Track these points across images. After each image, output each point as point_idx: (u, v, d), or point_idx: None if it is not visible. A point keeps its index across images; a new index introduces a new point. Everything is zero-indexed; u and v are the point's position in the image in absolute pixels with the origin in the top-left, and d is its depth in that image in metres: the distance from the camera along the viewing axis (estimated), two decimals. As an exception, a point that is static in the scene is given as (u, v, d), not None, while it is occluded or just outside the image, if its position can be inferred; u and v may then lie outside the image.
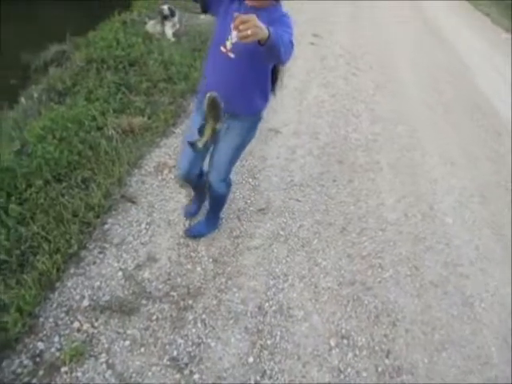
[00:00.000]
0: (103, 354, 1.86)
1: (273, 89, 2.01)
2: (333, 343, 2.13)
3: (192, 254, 2.41)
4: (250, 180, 3.09)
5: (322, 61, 5.43)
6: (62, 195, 2.46)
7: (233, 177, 2.40)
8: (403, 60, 6.24)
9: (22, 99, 3.53)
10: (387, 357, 2.13)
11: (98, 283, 2.13)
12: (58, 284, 2.08)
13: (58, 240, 2.19)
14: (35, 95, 3.56)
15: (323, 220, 2.88)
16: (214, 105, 1.70)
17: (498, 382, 2.19)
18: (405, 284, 2.56)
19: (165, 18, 4.62)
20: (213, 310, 2.15)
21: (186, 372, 1.87)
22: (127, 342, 1.92)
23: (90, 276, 2.16)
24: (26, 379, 1.73)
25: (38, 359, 1.80)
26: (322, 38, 6.09)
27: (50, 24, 5.80)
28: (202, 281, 2.28)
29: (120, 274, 2.20)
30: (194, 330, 2.03)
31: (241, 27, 1.27)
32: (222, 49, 1.77)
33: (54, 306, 1.99)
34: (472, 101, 5.54)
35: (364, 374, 2.03)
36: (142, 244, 2.37)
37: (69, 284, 2.10)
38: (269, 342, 2.06)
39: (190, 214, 2.62)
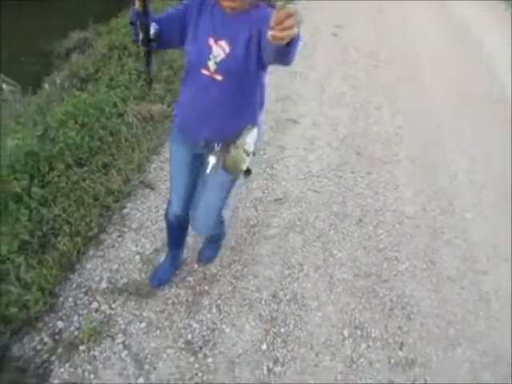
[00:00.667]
0: (120, 335, 1.91)
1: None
2: (346, 333, 2.14)
3: (208, 240, 2.43)
4: (268, 170, 3.09)
5: (343, 52, 5.37)
6: (83, 179, 2.50)
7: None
8: (427, 54, 6.12)
9: (46, 85, 3.59)
10: (401, 349, 2.13)
11: (116, 266, 2.18)
12: (77, 265, 2.13)
13: (79, 223, 2.24)
14: (58, 81, 3.61)
15: (340, 211, 2.87)
16: None
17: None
18: (421, 278, 2.54)
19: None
20: (228, 296, 2.18)
21: (200, 355, 1.90)
22: (143, 324, 1.96)
23: (109, 259, 2.20)
24: (45, 356, 1.79)
25: (57, 337, 1.86)
26: (344, 29, 6.02)
27: (73, 12, 5.87)
28: (218, 267, 2.31)
29: (138, 257, 2.24)
30: (208, 316, 2.06)
31: (286, 24, 0.96)
32: (204, 71, 1.45)
33: (74, 286, 2.05)
34: (497, 96, 5.41)
35: (377, 365, 2.03)
36: (160, 230, 2.40)
37: (88, 266, 2.15)
38: (282, 330, 2.08)
39: (159, 281, 2.14)
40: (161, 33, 1.41)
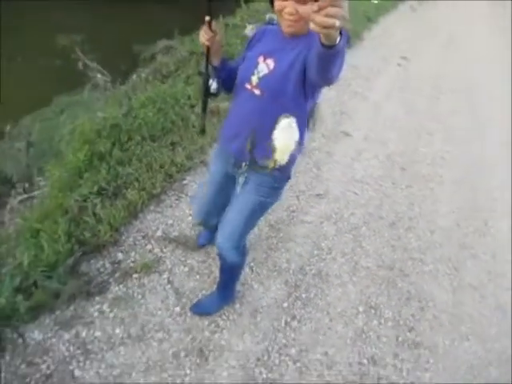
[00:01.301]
0: (166, 273, 2.27)
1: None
2: (361, 309, 2.36)
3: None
4: (314, 169, 3.39)
5: (405, 80, 5.62)
6: (154, 150, 2.94)
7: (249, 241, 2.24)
8: (488, 88, 6.21)
9: (134, 76, 4.17)
10: (410, 331, 2.32)
11: (171, 221, 2.56)
12: (140, 214, 2.54)
13: (146, 181, 2.67)
14: (143, 75, 4.19)
15: (375, 213, 3.10)
16: None
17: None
18: (442, 280, 2.71)
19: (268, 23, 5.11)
20: (261, 261, 2.48)
21: (230, 300, 2.21)
22: (186, 269, 2.31)
23: (166, 215, 2.59)
24: (105, 277, 2.18)
25: (116, 265, 2.25)
26: (409, 61, 6.27)
27: (162, 24, 6.61)
28: (257, 239, 2.62)
29: (190, 218, 2.62)
30: (242, 272, 2.37)
31: (330, 11, 0.86)
32: (247, 86, 1.49)
33: (135, 230, 2.45)
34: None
35: (384, 339, 2.23)
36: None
37: (148, 217, 2.55)
38: (304, 296, 2.35)
39: (204, 240, 2.43)
40: (229, 79, 1.58)
